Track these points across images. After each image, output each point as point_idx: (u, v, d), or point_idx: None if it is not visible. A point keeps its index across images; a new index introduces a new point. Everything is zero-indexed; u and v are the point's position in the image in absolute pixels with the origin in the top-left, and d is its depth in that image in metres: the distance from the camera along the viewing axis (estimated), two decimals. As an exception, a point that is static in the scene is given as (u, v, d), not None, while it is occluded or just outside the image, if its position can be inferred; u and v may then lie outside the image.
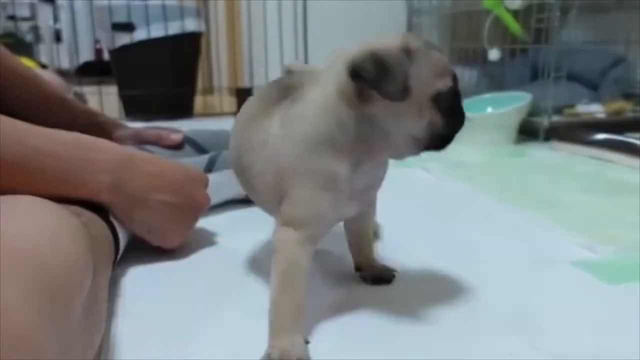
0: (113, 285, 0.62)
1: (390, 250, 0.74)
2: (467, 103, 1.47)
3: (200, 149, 0.98)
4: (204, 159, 0.91)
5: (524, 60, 1.84)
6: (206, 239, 0.78)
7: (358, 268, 0.65)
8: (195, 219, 0.73)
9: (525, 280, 0.65)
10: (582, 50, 1.71)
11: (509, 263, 0.70)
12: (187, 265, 0.70)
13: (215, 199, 0.88)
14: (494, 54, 1.57)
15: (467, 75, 1.82)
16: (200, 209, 0.73)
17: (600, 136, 1.25)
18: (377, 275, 0.64)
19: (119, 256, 0.65)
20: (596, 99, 1.65)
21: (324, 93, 0.51)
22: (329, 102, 0.51)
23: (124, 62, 1.93)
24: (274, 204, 0.54)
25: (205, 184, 0.74)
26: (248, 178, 0.58)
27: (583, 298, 0.61)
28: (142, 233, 0.68)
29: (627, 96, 1.69)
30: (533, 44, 1.57)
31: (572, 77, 1.52)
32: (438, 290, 0.62)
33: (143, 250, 0.71)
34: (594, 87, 1.78)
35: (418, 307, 0.58)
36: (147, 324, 0.55)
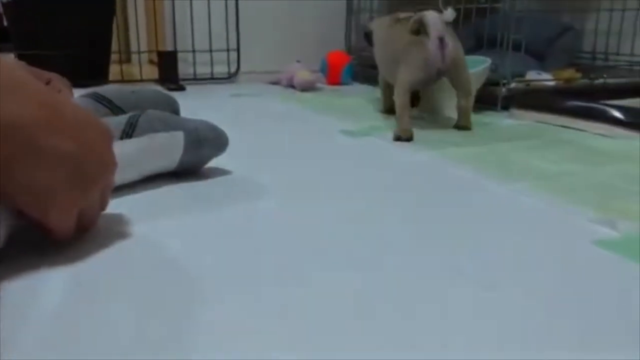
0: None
1: (372, 235, 0.59)
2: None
3: (117, 110, 0.78)
4: (120, 120, 0.71)
5: (467, 29, 1.74)
6: (116, 228, 0.58)
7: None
8: (95, 184, 0.50)
9: (544, 267, 0.51)
10: (527, 19, 1.64)
11: (519, 245, 0.56)
12: (88, 267, 0.49)
13: (132, 173, 0.69)
14: (448, 15, 1.43)
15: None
16: (105, 171, 0.51)
17: (572, 103, 1.15)
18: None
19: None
20: (543, 69, 1.57)
21: None
22: None
23: (22, 17, 1.64)
24: None
25: (111, 139, 0.53)
26: None
27: (624, 286, 0.47)
28: (15, 194, 0.44)
29: (573, 65, 1.63)
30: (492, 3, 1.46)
31: (518, 47, 1.44)
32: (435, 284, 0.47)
33: (26, 245, 0.51)
34: (539, 57, 1.71)
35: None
36: (30, 354, 0.36)
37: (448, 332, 0.39)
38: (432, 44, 1.06)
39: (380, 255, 0.53)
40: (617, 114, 1.10)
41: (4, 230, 0.46)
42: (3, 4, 1.66)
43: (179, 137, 0.72)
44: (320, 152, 0.96)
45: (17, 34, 1.68)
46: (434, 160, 0.90)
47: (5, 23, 1.84)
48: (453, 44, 1.08)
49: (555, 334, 0.40)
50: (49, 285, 0.45)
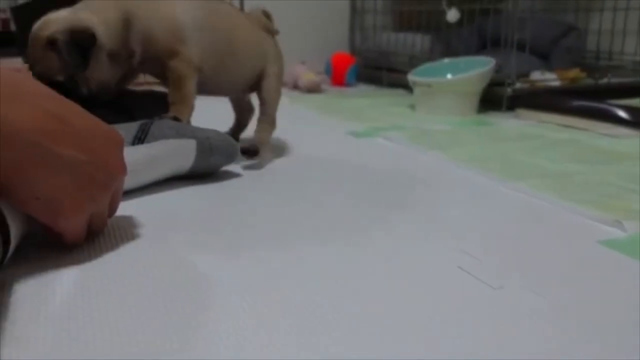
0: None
1: (380, 234, 0.59)
2: (425, 69, 1.35)
3: (128, 115, 0.79)
4: (132, 126, 0.71)
5: (471, 29, 1.74)
6: (126, 231, 0.58)
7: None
8: (104, 191, 0.51)
9: (550, 267, 0.52)
10: (530, 19, 1.64)
11: (524, 245, 0.57)
12: (98, 269, 0.50)
13: (143, 177, 0.70)
14: (452, 15, 1.44)
15: (419, 41, 1.69)
16: (114, 178, 0.52)
17: (577, 103, 1.15)
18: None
19: (8, 256, 0.46)
20: (547, 69, 1.57)
21: None
22: None
23: (29, 22, 1.65)
24: None
25: (121, 146, 0.54)
26: None
27: (630, 286, 0.48)
28: (26, 201, 0.46)
29: (577, 65, 1.63)
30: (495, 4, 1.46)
31: (522, 47, 1.45)
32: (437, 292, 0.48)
33: (40, 247, 0.52)
34: (543, 57, 1.71)
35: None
36: (42, 354, 0.37)
37: (454, 333, 0.40)
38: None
39: (387, 254, 0.53)
40: (621, 113, 1.11)
41: (15, 234, 0.47)
42: (11, 9, 1.67)
43: (191, 145, 0.73)
44: (327, 154, 0.97)
45: (24, 38, 1.69)
46: (439, 160, 0.91)
47: (12, 28, 1.86)
48: None
49: (562, 334, 0.40)
50: (59, 287, 0.46)
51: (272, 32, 0.92)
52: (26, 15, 1.62)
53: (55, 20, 0.72)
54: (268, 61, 0.90)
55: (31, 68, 0.73)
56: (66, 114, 0.47)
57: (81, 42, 0.71)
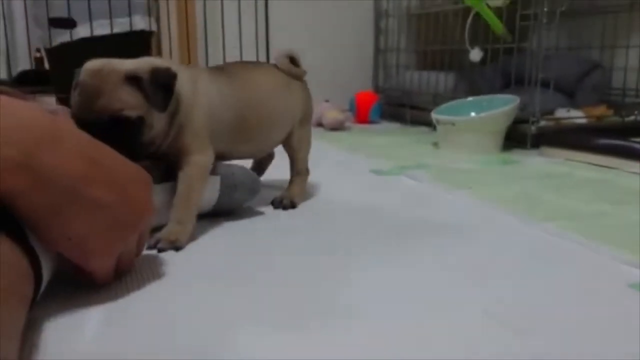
0: (30, 333, 0.44)
1: (405, 275, 0.59)
2: (448, 107, 1.35)
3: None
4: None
5: (494, 67, 1.75)
6: (151, 269, 0.59)
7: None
8: (133, 231, 0.52)
9: (579, 310, 0.51)
10: (555, 56, 1.64)
11: (551, 288, 0.56)
12: (125, 308, 0.51)
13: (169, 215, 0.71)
14: (475, 55, 1.45)
15: (442, 79, 1.70)
16: (142, 219, 0.52)
17: (604, 141, 1.14)
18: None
19: (40, 292, 0.47)
20: (573, 106, 1.57)
21: None
22: None
23: (63, 62, 1.71)
24: None
25: (150, 185, 0.55)
26: None
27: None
28: (59, 242, 0.47)
29: (603, 102, 1.61)
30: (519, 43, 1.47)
31: (545, 84, 1.44)
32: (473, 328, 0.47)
33: (69, 285, 0.53)
34: (568, 94, 1.70)
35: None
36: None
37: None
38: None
39: (411, 295, 0.53)
40: (650, 151, 1.09)
41: (47, 273, 0.48)
42: (46, 49, 1.74)
43: (215, 181, 0.74)
44: (350, 192, 0.97)
45: (58, 78, 1.75)
46: (464, 199, 0.90)
47: (46, 67, 1.95)
48: None
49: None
50: (87, 326, 0.47)
51: (299, 77, 0.89)
52: (60, 56, 1.69)
53: (123, 63, 0.66)
54: (297, 116, 0.87)
55: (83, 102, 0.63)
56: (99, 157, 0.49)
57: (164, 81, 0.65)
